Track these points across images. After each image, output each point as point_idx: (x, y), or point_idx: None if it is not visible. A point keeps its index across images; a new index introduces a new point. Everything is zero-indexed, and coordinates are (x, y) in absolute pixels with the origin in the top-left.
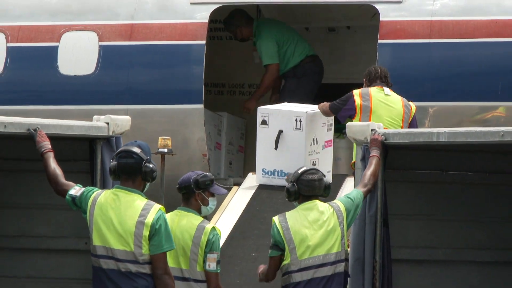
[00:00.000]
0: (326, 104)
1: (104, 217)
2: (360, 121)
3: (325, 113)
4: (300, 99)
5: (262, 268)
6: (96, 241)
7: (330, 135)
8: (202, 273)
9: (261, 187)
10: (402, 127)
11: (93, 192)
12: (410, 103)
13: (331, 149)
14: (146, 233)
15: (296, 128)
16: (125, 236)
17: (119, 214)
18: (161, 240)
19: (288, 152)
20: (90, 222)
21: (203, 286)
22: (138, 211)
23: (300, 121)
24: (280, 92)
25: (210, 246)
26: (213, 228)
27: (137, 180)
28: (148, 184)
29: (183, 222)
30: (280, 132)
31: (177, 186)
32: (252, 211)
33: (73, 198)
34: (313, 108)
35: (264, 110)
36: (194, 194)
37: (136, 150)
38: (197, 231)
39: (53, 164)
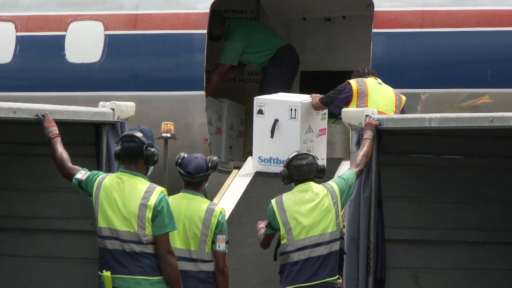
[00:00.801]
0: (316, 98)
1: (109, 199)
2: (356, 106)
3: (316, 106)
4: (281, 85)
5: (260, 226)
6: (101, 222)
7: (324, 123)
8: (210, 254)
9: (258, 174)
10: (395, 113)
11: (98, 176)
12: (400, 94)
13: (325, 137)
14: (149, 215)
15: (291, 117)
16: (129, 217)
17: (123, 197)
18: (164, 221)
19: (284, 140)
20: (96, 205)
21: (210, 265)
22: (141, 194)
23: (295, 110)
24: (262, 80)
25: (220, 227)
26: (221, 211)
27: (140, 164)
28: (151, 168)
29: (191, 205)
30: (276, 121)
31: (190, 174)
32: (248, 198)
33: (79, 181)
34: (307, 98)
35: (260, 100)
36: (206, 179)
37: (138, 134)
38: (207, 214)
39: (60, 149)
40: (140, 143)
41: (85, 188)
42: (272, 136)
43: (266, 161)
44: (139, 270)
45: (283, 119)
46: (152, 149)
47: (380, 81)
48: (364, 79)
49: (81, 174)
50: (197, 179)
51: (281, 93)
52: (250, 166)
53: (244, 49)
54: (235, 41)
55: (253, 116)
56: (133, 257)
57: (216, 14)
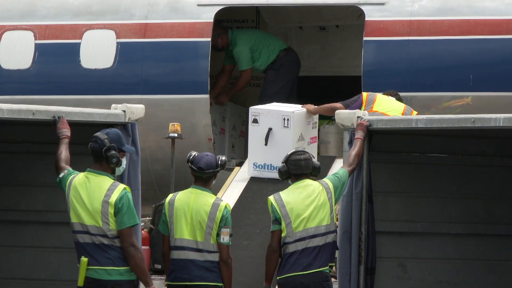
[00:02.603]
0: (336, 104)
1: (77, 197)
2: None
3: (333, 109)
4: (281, 88)
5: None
6: (73, 218)
7: (315, 132)
8: (215, 245)
9: (253, 180)
10: None
11: (70, 175)
12: (412, 109)
13: (315, 144)
14: (111, 210)
15: (284, 126)
16: (94, 214)
17: (89, 195)
18: (124, 217)
19: (277, 148)
20: (67, 202)
21: (215, 255)
22: (104, 192)
23: (288, 120)
24: (263, 83)
25: (224, 221)
26: (226, 206)
27: (104, 164)
28: (118, 169)
29: (199, 199)
30: (270, 129)
31: (201, 169)
32: (244, 202)
33: (60, 180)
34: (299, 108)
35: (255, 110)
36: (215, 176)
37: (102, 137)
38: (213, 208)
39: (62, 149)
40: (102, 145)
41: (61, 187)
42: (266, 144)
43: (260, 167)
44: (107, 261)
45: (276, 128)
46: (112, 151)
47: (392, 98)
48: (376, 93)
49: (63, 173)
50: (207, 175)
51: (275, 103)
52: (245, 172)
53: (251, 54)
54: (242, 46)
55: (248, 124)
56: (102, 249)
57: (220, 26)
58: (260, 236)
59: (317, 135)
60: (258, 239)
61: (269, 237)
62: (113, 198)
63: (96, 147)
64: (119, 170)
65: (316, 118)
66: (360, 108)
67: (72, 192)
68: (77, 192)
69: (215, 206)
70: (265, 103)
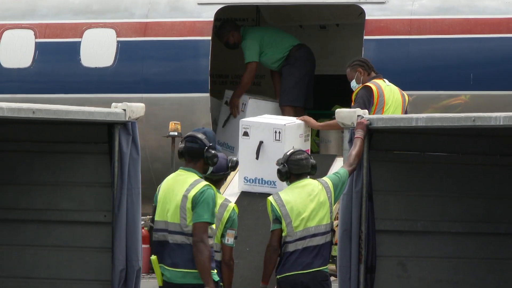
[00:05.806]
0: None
1: (162, 194)
2: (374, 113)
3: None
4: (298, 82)
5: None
6: (157, 216)
7: (308, 145)
8: (218, 245)
9: (243, 194)
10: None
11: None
12: (404, 92)
13: None
14: (189, 205)
15: (275, 139)
16: (176, 210)
17: (174, 190)
18: (198, 210)
19: (268, 161)
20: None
21: (217, 256)
22: (186, 186)
23: (280, 133)
24: (281, 81)
25: (231, 222)
26: (234, 207)
27: (199, 163)
28: (210, 168)
29: None
30: (261, 143)
31: (211, 172)
32: None
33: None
34: (292, 120)
35: (246, 123)
36: (226, 177)
37: (201, 136)
38: (221, 208)
39: None
40: (202, 144)
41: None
42: (257, 158)
43: (251, 181)
44: (185, 263)
45: (267, 141)
46: (213, 151)
47: (387, 82)
48: (379, 83)
49: None
50: (217, 177)
51: (266, 115)
52: (236, 186)
53: (260, 49)
54: (250, 40)
55: (239, 138)
56: (179, 249)
57: (232, 23)
58: (251, 254)
59: (309, 148)
60: (248, 257)
61: (260, 255)
62: (192, 192)
63: (196, 147)
64: (210, 169)
65: (308, 130)
66: (372, 106)
67: (160, 193)
68: (164, 190)
69: (223, 206)
70: (284, 99)
